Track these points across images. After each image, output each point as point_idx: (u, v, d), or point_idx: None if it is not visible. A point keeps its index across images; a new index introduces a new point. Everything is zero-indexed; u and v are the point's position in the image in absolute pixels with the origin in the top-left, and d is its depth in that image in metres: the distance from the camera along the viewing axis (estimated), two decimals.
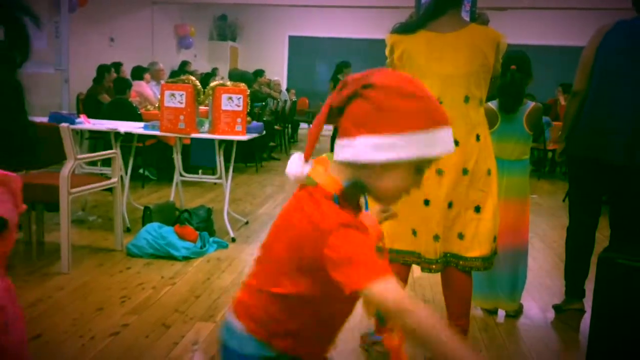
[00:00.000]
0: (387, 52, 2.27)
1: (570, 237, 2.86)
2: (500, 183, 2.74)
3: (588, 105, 2.66)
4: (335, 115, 1.00)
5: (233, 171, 4.20)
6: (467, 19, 2.27)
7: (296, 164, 1.02)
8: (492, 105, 2.79)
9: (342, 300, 0.96)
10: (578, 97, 2.71)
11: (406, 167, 0.96)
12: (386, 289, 0.87)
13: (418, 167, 0.98)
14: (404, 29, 2.23)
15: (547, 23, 11.57)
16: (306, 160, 1.02)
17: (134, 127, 4.14)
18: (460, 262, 2.22)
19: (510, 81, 2.71)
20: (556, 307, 2.93)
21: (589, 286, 2.33)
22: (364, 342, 2.41)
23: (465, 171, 2.17)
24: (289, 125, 10.39)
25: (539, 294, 3.20)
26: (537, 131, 2.92)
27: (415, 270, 2.25)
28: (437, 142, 0.95)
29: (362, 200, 1.05)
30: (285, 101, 9.94)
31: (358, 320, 2.54)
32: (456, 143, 2.14)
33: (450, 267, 2.24)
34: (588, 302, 2.51)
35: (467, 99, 2.16)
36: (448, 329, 0.85)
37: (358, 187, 0.99)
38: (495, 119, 2.77)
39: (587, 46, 2.67)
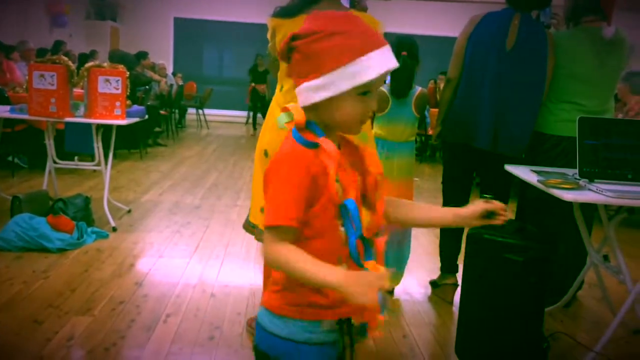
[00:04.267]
0: (268, 35, 2.26)
1: None
2: (391, 164, 2.85)
3: (460, 93, 2.82)
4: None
5: (115, 158, 4.01)
6: (347, 5, 2.31)
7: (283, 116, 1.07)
8: (384, 89, 2.89)
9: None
10: (452, 84, 2.85)
11: (348, 97, 1.04)
12: (269, 239, 1.00)
13: (362, 93, 1.04)
14: (285, 12, 2.22)
15: (430, 13, 12.15)
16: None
17: None
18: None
19: (402, 66, 2.82)
20: (432, 283, 3.11)
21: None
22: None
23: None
24: (176, 111, 10.07)
25: (419, 272, 3.38)
26: (421, 117, 3.08)
27: None
28: (368, 68, 1.01)
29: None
30: (172, 85, 9.61)
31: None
32: None
33: None
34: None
35: None
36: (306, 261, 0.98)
37: (316, 125, 1.06)
38: (387, 102, 2.88)
39: (460, 36, 2.83)
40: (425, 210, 1.19)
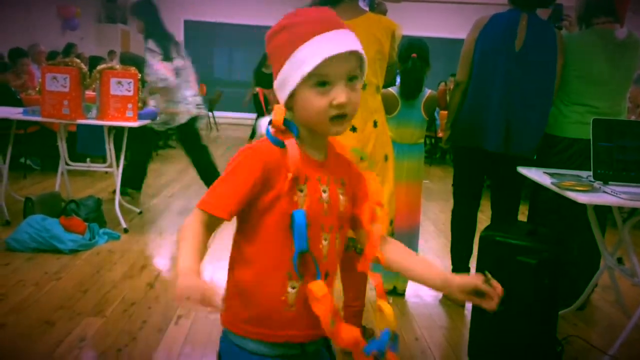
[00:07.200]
0: None
1: (454, 219, 3.03)
2: (401, 167, 2.84)
3: (469, 96, 2.79)
4: None
5: (126, 159, 4.02)
6: (366, 8, 2.31)
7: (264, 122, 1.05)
8: (393, 91, 2.88)
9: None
10: (461, 87, 2.83)
11: (307, 91, 0.97)
12: (196, 216, 0.96)
13: (320, 84, 0.97)
14: None
15: (440, 16, 12.13)
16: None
17: (11, 113, 3.83)
18: (359, 246, 2.26)
19: (412, 68, 2.82)
20: None
21: (474, 264, 2.47)
22: None
23: (362, 157, 2.21)
24: None
25: None
26: (431, 119, 3.07)
27: None
28: (312, 54, 0.94)
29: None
30: None
31: None
32: (354, 129, 2.18)
33: (349, 251, 2.28)
34: None
35: (364, 86, 2.19)
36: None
37: (294, 126, 1.01)
38: (396, 104, 2.87)
39: (467, 39, 2.81)
40: (419, 266, 1.10)
